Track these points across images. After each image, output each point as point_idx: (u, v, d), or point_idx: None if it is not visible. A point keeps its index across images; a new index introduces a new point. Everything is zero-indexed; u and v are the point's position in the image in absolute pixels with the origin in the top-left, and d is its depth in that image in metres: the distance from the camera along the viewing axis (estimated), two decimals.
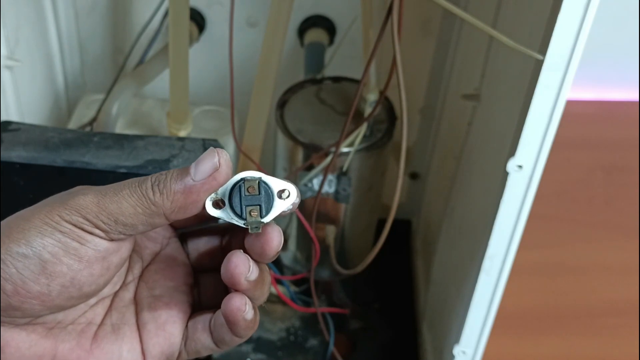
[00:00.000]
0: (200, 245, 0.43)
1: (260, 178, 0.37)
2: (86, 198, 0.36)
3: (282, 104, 0.74)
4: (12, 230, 0.36)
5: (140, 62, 0.79)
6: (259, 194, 0.37)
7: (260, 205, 0.37)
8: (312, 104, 0.74)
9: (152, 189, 0.37)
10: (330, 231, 0.76)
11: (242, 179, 0.37)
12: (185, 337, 0.40)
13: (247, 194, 0.37)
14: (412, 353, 0.82)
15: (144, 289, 0.41)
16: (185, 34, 0.66)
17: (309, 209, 0.69)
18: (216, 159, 0.37)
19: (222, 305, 0.38)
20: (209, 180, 0.37)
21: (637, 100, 1.13)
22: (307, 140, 0.71)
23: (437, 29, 0.79)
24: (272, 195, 0.38)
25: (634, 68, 1.09)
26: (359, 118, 0.69)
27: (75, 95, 0.86)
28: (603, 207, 0.99)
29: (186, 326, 0.41)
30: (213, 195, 0.38)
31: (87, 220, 0.36)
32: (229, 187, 0.38)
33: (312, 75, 0.77)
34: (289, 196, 0.38)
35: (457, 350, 0.63)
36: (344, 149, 0.69)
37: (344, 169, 0.71)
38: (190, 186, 0.37)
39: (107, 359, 0.39)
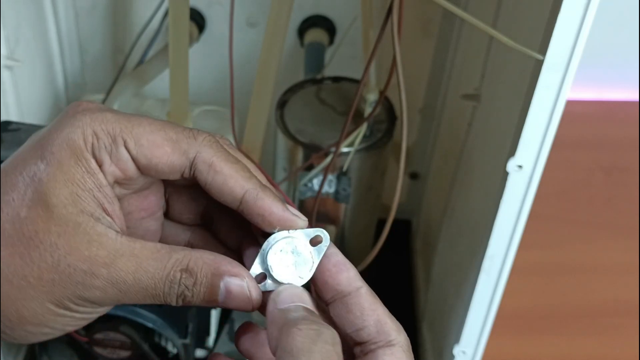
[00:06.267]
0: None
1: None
2: None
3: (282, 104, 0.74)
4: None
5: (140, 62, 0.79)
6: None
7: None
8: (312, 104, 0.74)
9: (176, 301, 0.36)
10: (330, 231, 0.76)
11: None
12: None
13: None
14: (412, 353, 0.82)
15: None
16: (185, 34, 0.66)
17: (309, 209, 0.69)
18: (250, 308, 0.37)
19: None
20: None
21: (637, 100, 1.13)
22: (307, 140, 0.71)
23: (437, 29, 0.79)
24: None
25: (634, 68, 1.09)
26: (359, 118, 0.69)
27: (75, 95, 0.86)
28: (603, 207, 0.99)
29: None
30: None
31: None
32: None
33: (312, 75, 0.77)
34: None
35: (457, 350, 0.62)
36: (344, 149, 0.69)
37: (344, 169, 0.71)
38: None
39: None
